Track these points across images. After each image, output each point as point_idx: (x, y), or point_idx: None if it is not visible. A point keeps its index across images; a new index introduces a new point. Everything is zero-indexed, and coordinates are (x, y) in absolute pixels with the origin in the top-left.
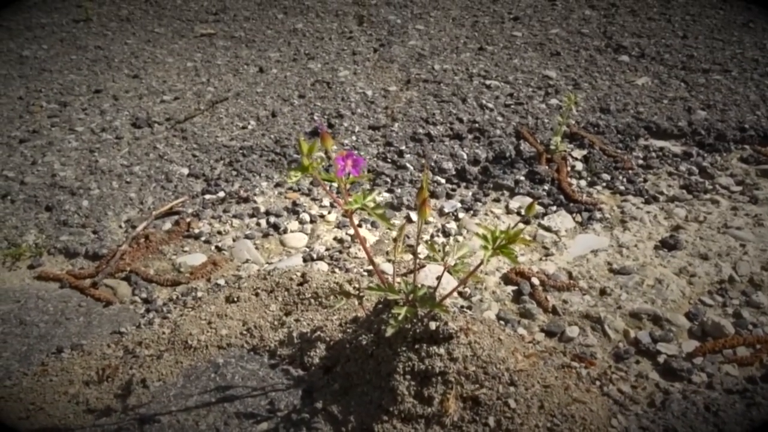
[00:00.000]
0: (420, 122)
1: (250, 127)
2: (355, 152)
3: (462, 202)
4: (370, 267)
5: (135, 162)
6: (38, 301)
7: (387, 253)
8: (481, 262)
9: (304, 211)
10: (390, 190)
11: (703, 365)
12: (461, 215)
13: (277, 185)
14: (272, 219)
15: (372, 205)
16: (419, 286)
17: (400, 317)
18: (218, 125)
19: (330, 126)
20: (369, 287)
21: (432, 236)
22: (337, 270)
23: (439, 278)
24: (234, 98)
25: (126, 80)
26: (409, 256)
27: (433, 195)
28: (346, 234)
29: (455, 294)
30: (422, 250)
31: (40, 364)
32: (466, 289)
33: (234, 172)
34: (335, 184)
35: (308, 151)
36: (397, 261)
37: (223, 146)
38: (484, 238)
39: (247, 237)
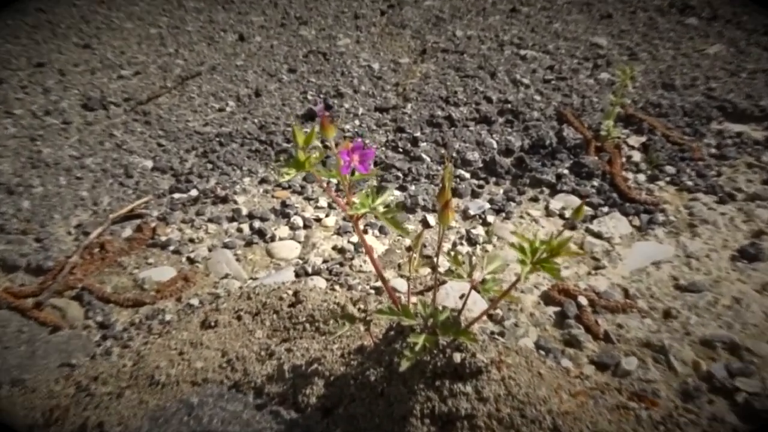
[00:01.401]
0: (439, 102)
1: (228, 109)
2: (361, 141)
3: (491, 201)
4: (379, 283)
5: (87, 153)
6: None
7: (399, 266)
8: (518, 280)
9: (295, 214)
10: (402, 187)
11: None
12: (490, 218)
13: (263, 181)
14: (257, 223)
15: (382, 209)
16: (440, 308)
17: (416, 347)
18: (189, 107)
19: (328, 108)
20: (378, 310)
21: (455, 245)
22: (337, 287)
23: (464, 298)
24: (208, 73)
25: (75, 51)
26: (426, 270)
27: (456, 193)
28: (348, 242)
29: (484, 318)
30: (443, 263)
31: None
32: (498, 312)
33: (209, 165)
34: (335, 181)
35: (304, 142)
36: (413, 276)
37: (196, 133)
38: (521, 249)
39: (226, 246)
